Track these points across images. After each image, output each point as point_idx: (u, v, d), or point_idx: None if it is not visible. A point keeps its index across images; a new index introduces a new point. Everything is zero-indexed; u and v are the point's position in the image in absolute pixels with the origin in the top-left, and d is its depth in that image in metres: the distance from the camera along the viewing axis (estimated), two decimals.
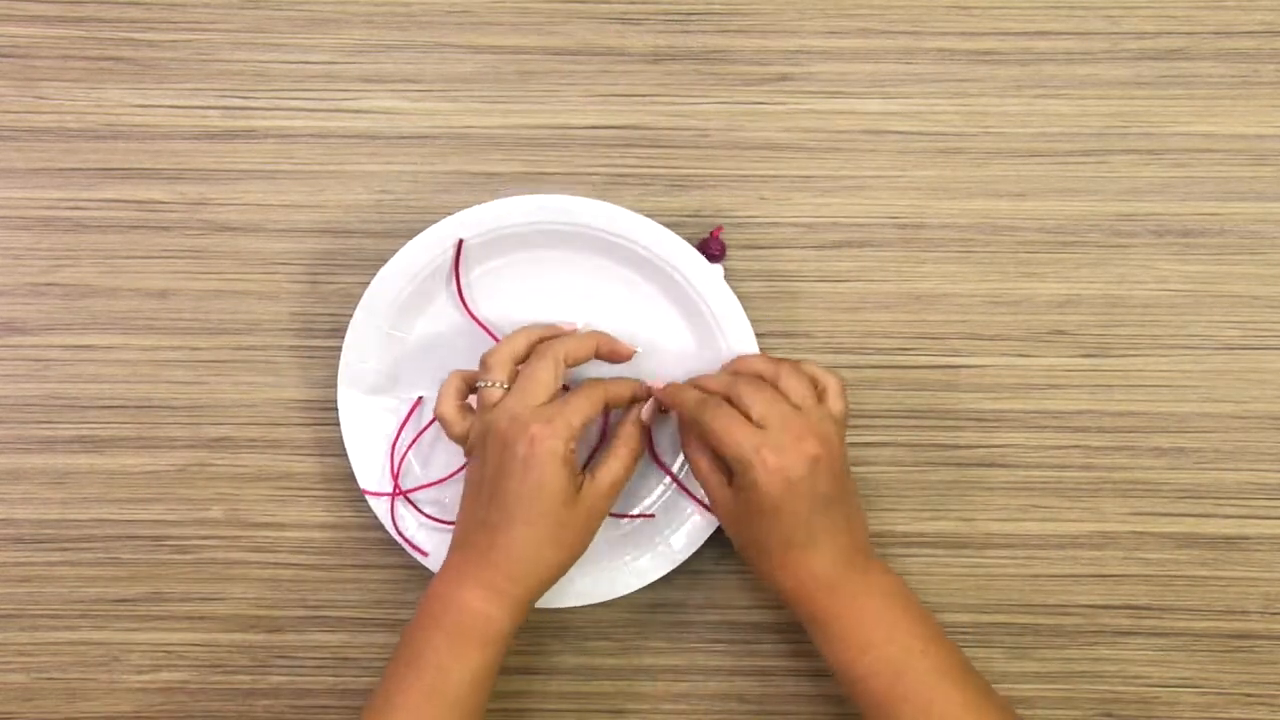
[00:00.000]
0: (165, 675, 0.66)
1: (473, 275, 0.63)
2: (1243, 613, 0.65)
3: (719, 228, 0.64)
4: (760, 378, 0.58)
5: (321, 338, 0.66)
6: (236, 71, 0.66)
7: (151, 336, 0.66)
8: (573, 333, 0.61)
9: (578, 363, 0.58)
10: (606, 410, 0.60)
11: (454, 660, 0.54)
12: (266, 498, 0.66)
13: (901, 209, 0.66)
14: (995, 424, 0.66)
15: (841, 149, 0.66)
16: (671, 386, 0.60)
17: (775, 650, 0.66)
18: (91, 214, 0.66)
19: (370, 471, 0.63)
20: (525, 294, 0.64)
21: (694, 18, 0.66)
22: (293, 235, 0.66)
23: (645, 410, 0.60)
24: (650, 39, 0.66)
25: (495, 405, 0.56)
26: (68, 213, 0.66)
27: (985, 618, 0.66)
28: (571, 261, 0.63)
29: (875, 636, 0.55)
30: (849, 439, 0.65)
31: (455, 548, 0.57)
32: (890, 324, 0.66)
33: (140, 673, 0.66)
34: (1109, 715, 0.65)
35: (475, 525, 0.56)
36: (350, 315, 0.65)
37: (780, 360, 0.60)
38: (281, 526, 0.66)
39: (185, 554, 0.66)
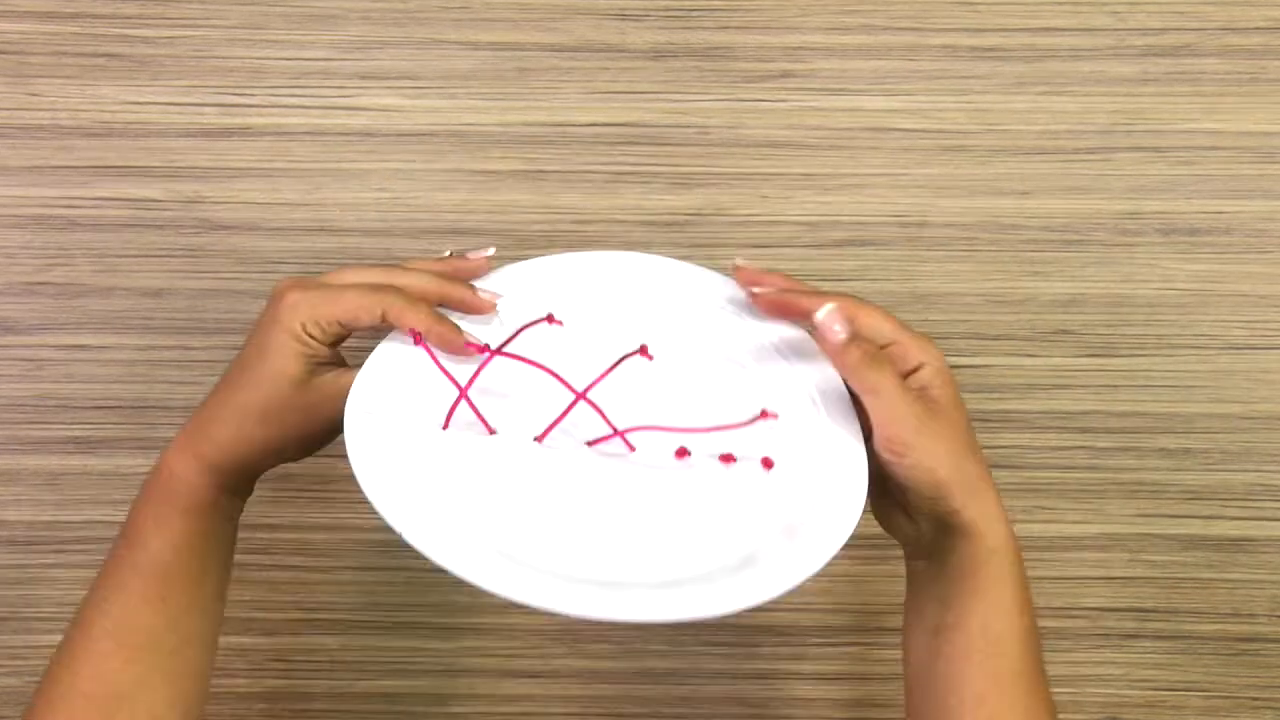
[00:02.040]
0: None
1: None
2: (1250, 616, 0.65)
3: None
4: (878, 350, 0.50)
5: None
6: (232, 68, 0.65)
7: (146, 336, 0.65)
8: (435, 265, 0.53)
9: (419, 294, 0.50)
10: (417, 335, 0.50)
11: (155, 529, 0.50)
12: (262, 499, 0.65)
13: (904, 207, 0.65)
14: (999, 424, 0.65)
15: (844, 146, 0.65)
16: (772, 280, 0.51)
17: (776, 654, 0.65)
18: (85, 212, 0.65)
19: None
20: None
21: (695, 14, 0.65)
22: (289, 234, 0.65)
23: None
24: (651, 35, 0.65)
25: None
26: (61, 211, 0.65)
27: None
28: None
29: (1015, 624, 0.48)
30: None
31: (190, 423, 0.52)
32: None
33: None
34: (1115, 718, 0.65)
35: (206, 398, 0.51)
36: None
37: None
38: (277, 528, 0.65)
39: None
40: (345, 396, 0.48)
